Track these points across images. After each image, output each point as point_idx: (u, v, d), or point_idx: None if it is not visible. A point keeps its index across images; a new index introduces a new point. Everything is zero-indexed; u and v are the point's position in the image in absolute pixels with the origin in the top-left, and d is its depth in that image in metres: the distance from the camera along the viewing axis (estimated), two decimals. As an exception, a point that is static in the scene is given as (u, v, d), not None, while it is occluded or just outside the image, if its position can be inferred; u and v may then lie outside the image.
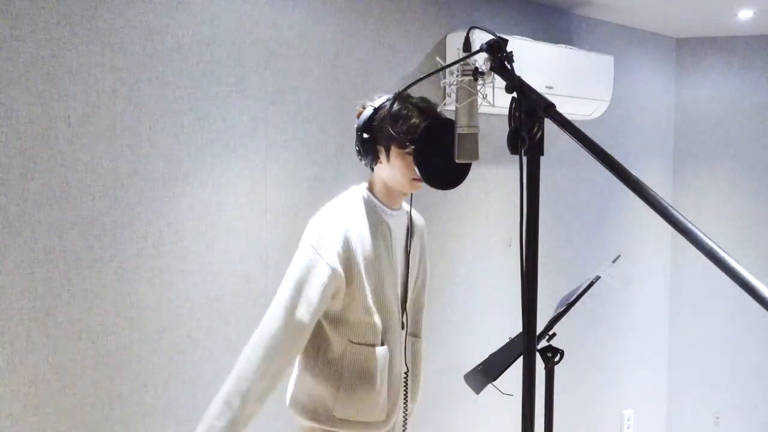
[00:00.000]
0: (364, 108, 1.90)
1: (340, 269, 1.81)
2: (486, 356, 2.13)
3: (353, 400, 1.90)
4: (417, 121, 1.80)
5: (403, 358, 2.02)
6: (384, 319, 1.91)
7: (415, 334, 2.13)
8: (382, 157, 1.86)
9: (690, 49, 4.20)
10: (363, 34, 2.70)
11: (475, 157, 1.56)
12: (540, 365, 1.81)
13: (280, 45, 2.46)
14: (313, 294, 1.79)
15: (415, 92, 1.79)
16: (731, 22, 3.73)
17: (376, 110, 1.86)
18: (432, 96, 2.89)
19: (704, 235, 0.97)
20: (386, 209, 1.93)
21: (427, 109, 1.84)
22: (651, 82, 4.10)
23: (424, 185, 1.85)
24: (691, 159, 4.24)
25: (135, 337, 2.17)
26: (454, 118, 1.54)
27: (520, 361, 1.29)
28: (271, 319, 1.80)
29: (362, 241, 1.85)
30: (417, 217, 2.09)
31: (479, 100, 1.50)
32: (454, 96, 1.51)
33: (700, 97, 4.20)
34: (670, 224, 1.00)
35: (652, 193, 1.02)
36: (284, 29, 2.47)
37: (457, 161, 1.57)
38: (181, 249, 2.25)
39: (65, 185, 2.01)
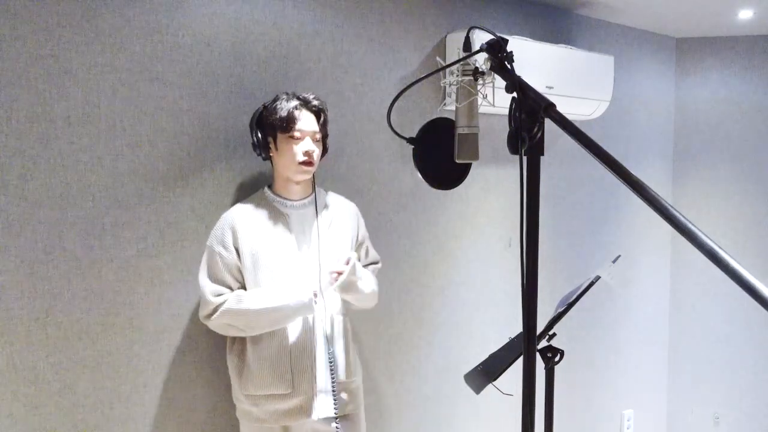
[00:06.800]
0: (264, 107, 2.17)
1: (226, 251, 2.12)
2: (486, 356, 2.13)
3: (253, 374, 2.13)
4: (285, 103, 2.10)
5: (313, 333, 2.16)
6: None
7: (339, 313, 2.26)
8: (272, 146, 2.15)
9: (690, 49, 4.20)
10: (363, 34, 2.70)
11: (475, 157, 1.56)
12: (540, 365, 1.82)
13: (280, 45, 2.46)
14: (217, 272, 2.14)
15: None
16: (731, 22, 3.73)
17: (266, 107, 2.16)
18: (432, 96, 2.90)
19: (704, 235, 0.97)
20: (285, 201, 2.20)
21: (294, 95, 2.15)
22: (651, 82, 4.10)
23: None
24: (691, 159, 4.25)
25: (135, 337, 2.17)
26: (454, 118, 1.55)
27: (520, 361, 1.29)
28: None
29: (249, 229, 2.12)
30: (339, 202, 2.31)
31: (479, 100, 1.50)
32: (454, 96, 1.52)
33: (700, 97, 4.20)
34: (670, 224, 1.00)
35: (652, 192, 1.02)
36: (284, 29, 2.47)
37: (457, 161, 1.58)
38: (181, 249, 2.25)
39: (65, 185, 2.01)
